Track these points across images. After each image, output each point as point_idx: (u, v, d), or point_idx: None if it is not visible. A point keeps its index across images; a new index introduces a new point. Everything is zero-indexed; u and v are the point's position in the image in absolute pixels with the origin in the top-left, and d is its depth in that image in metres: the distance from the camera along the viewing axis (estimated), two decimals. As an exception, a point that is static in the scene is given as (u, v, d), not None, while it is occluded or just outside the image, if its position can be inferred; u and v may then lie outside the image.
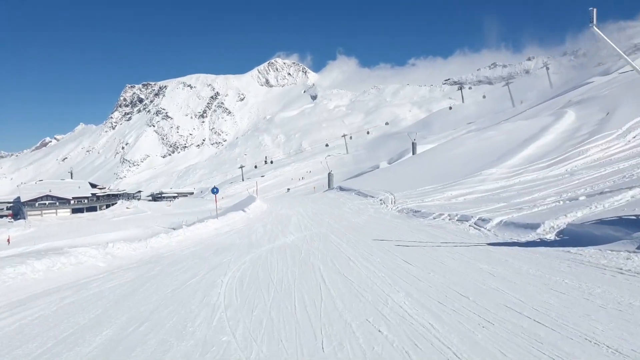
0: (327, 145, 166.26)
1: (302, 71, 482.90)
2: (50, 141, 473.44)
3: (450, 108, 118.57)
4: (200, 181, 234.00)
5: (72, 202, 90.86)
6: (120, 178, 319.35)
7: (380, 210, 16.85)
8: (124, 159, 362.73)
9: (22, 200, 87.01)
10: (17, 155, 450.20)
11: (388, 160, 54.88)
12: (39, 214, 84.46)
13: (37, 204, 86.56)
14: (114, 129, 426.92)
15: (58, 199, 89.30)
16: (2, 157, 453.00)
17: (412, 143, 49.44)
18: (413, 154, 48.65)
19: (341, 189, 30.45)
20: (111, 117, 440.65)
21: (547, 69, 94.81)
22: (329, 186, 48.32)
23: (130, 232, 42.65)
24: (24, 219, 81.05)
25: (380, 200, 18.98)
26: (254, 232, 14.27)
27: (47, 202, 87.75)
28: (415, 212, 14.19)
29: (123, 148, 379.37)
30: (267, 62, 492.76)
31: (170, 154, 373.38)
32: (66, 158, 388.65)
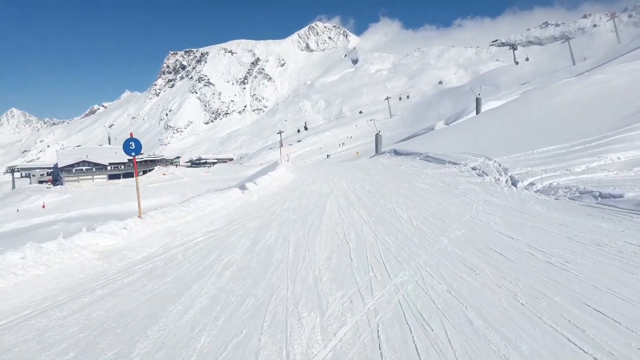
0: (360, 112, 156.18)
1: (343, 35, 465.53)
2: (98, 108, 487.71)
3: (517, 63, 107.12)
4: (241, 147, 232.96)
5: (108, 168, 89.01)
6: (165, 144, 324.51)
7: (494, 188, 9.59)
8: (167, 125, 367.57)
9: (60, 166, 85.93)
10: (67, 123, 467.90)
11: (445, 120, 47.12)
12: (75, 180, 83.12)
13: (74, 170, 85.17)
14: (157, 95, 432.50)
15: (95, 164, 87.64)
16: (54, 124, 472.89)
17: (477, 99, 41.36)
18: (477, 112, 40.76)
19: (396, 152, 23.70)
20: (155, 84, 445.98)
21: (629, 16, 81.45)
22: (376, 150, 41.49)
23: (163, 199, 39.65)
24: (62, 184, 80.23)
25: (475, 169, 12.16)
26: (192, 288, 5.03)
27: (84, 168, 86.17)
28: (604, 197, 6.97)
29: (167, 115, 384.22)
30: (308, 26, 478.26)
31: (212, 121, 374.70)
32: (113, 125, 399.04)
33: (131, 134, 9.52)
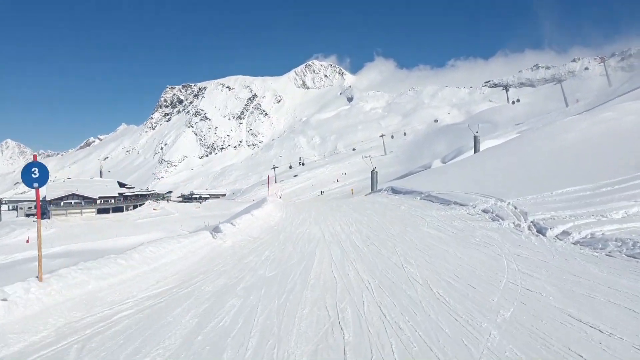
0: (354, 149, 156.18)
1: (339, 73, 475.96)
2: (94, 141, 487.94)
3: (513, 102, 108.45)
4: (235, 182, 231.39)
5: (98, 201, 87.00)
6: (159, 178, 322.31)
7: (518, 237, 7.95)
8: (162, 159, 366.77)
9: (48, 199, 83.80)
10: (62, 155, 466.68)
11: (442, 158, 46.06)
12: (63, 214, 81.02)
13: (62, 203, 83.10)
14: (153, 129, 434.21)
15: (84, 198, 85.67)
16: (49, 156, 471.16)
17: (475, 137, 40.42)
18: (475, 150, 39.75)
19: (394, 191, 22.22)
20: (151, 118, 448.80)
21: (622, 59, 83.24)
22: (372, 187, 40.06)
23: (151, 235, 38.26)
24: (49, 218, 78.06)
25: (486, 211, 10.63)
26: None
27: (72, 202, 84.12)
28: None
29: (162, 148, 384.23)
30: (304, 64, 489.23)
31: (207, 155, 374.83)
32: (107, 157, 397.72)
33: (35, 156, 6.28)
